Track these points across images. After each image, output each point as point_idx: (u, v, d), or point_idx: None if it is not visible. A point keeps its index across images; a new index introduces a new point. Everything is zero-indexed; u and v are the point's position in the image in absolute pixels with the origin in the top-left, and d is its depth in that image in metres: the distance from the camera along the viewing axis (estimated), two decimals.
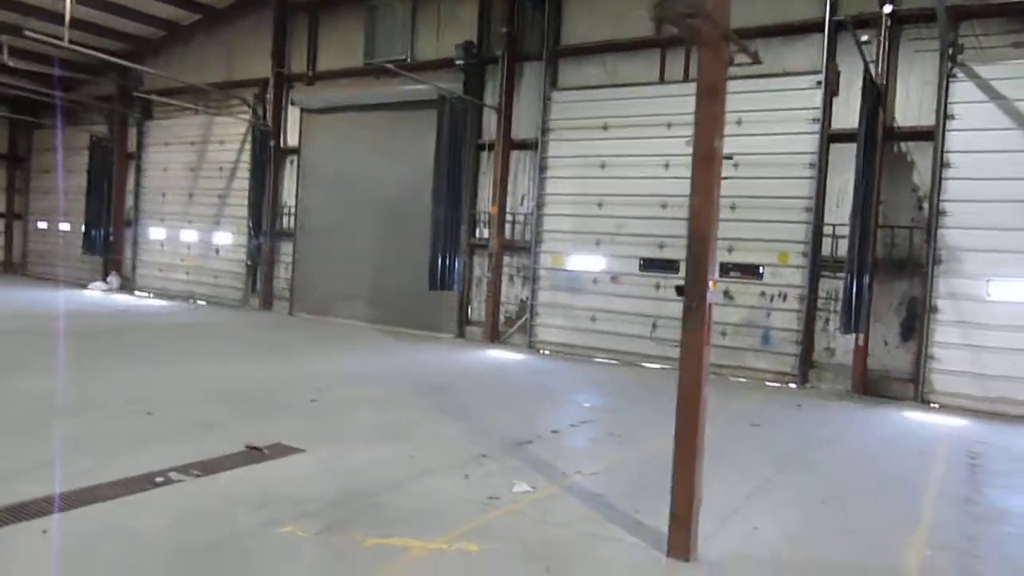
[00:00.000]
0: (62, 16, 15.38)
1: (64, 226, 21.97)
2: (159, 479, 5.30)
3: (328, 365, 10.99)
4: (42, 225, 22.75)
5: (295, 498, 5.11)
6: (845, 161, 10.91)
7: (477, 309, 14.44)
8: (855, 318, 10.11)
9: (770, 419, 8.91)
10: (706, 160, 4.56)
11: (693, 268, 4.51)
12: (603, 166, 12.99)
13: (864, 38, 10.41)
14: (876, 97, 10.28)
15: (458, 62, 14.03)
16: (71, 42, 14.28)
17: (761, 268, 11.69)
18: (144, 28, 18.78)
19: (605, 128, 12.99)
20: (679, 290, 4.61)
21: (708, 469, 4.71)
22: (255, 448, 6.17)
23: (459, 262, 13.29)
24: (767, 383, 11.41)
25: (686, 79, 12.27)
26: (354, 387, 9.36)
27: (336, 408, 8.08)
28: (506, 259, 14.07)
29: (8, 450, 5.83)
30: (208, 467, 5.65)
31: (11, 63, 16.98)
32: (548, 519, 5.04)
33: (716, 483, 5.47)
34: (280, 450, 6.22)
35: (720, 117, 4.61)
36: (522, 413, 8.48)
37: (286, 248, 17.29)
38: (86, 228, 19.91)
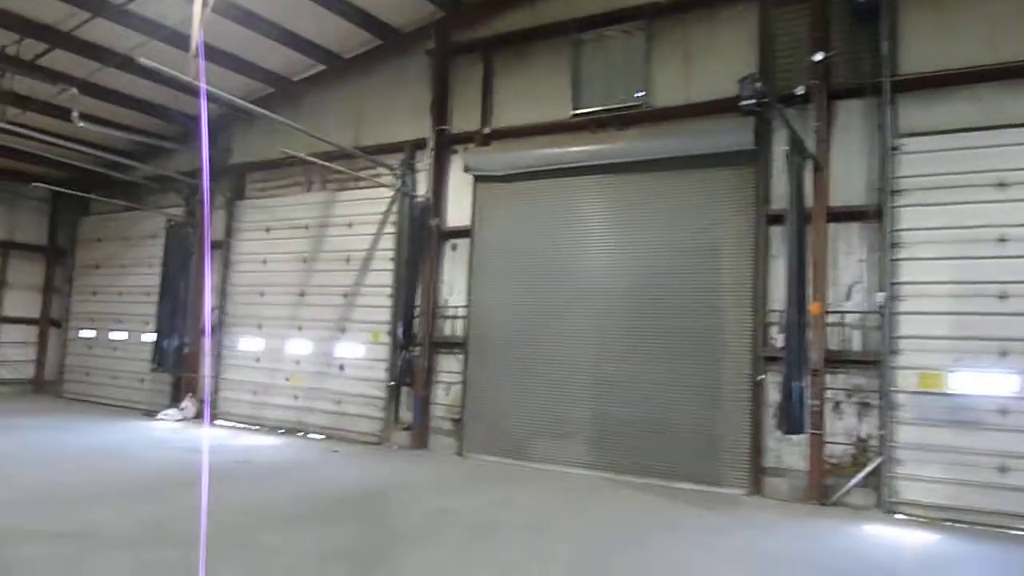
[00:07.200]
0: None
1: (118, 335, 17.28)
2: None
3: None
4: (87, 334, 18.01)
5: None
6: None
7: (775, 450, 9.93)
8: None
9: None
10: None
11: None
12: (1002, 240, 8.82)
13: None
14: None
15: (745, 103, 9.93)
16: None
17: None
18: (244, 84, 14.70)
19: (1001, 186, 8.90)
20: None
21: None
22: None
23: (805, 389, 8.84)
24: None
25: None
26: None
27: None
28: (827, 378, 9.68)
29: None
30: None
31: (81, 123, 12.92)
32: None
33: None
34: None
35: None
36: None
37: (448, 363, 12.74)
38: (157, 337, 15.31)
